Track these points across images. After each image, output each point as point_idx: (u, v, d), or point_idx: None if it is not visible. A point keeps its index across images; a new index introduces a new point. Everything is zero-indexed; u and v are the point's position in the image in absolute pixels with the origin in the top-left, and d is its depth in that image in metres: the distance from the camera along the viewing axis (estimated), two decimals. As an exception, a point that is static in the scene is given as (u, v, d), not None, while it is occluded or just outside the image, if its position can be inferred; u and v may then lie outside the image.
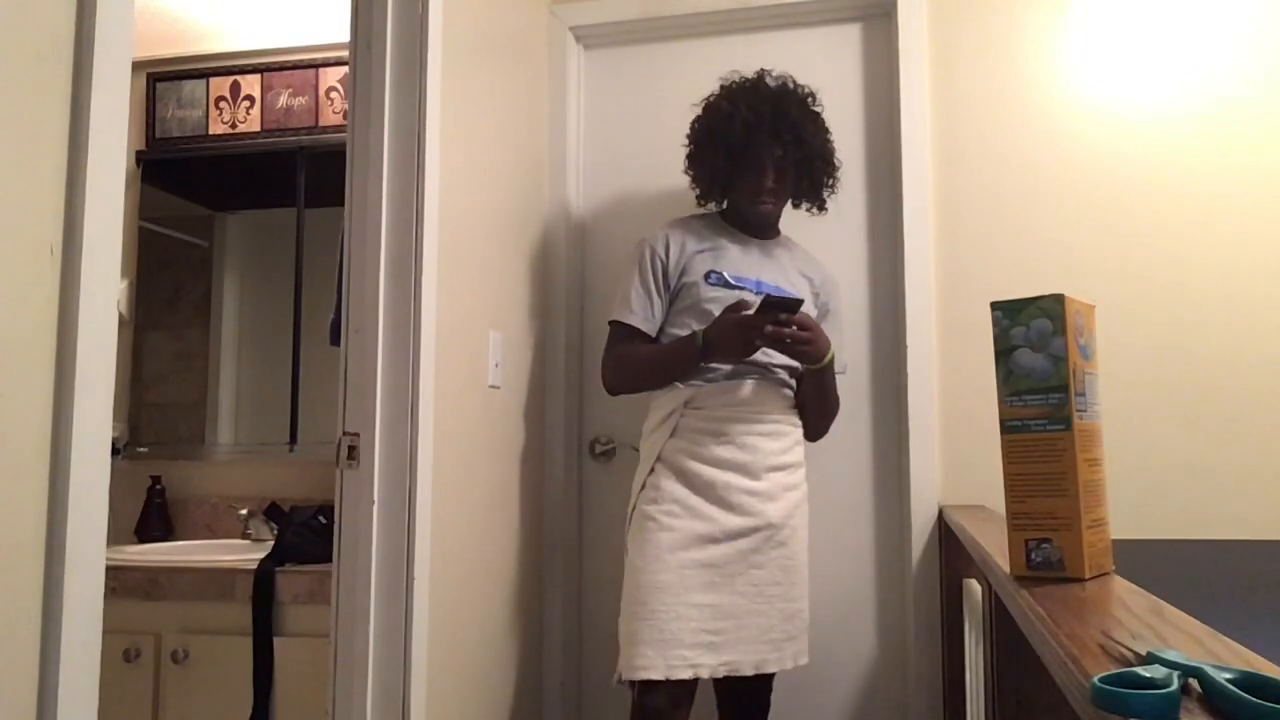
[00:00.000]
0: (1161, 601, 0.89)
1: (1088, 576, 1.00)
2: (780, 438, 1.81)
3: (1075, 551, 1.00)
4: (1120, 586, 0.98)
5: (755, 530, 1.74)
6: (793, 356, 1.71)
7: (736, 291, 1.79)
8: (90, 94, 0.92)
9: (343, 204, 1.64)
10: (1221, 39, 2.09)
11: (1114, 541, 1.10)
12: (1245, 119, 2.06)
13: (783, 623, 1.75)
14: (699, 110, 1.91)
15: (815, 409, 1.87)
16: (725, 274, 1.81)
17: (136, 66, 2.46)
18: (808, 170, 1.86)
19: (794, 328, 1.63)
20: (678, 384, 1.80)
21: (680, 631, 1.66)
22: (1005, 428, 1.05)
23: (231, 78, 2.49)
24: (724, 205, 1.96)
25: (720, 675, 1.69)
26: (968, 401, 2.12)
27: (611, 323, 1.88)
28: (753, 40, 2.35)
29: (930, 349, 2.14)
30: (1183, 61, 2.10)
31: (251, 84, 2.48)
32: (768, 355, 1.76)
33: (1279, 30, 2.06)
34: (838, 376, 1.89)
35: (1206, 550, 1.94)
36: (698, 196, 1.94)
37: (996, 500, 1.91)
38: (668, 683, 1.65)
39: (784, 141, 1.78)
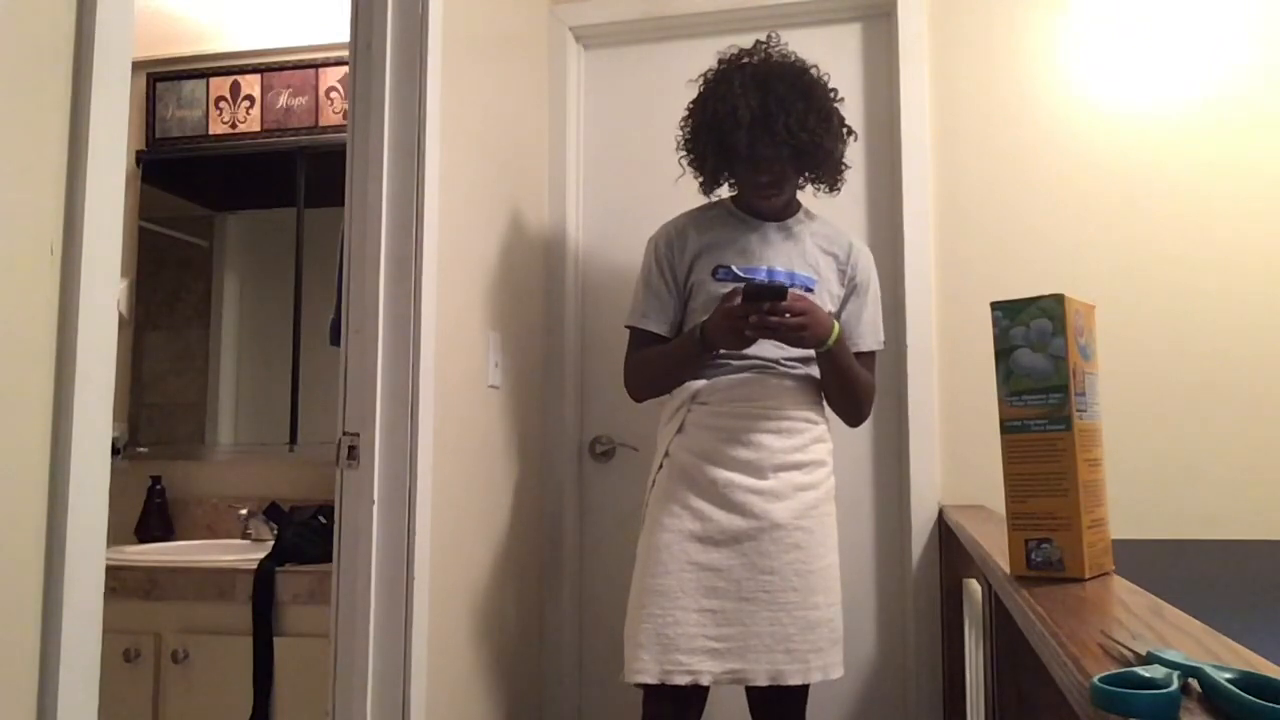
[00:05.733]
0: (1161, 601, 0.89)
1: (1088, 576, 1.00)
2: (793, 435, 1.71)
3: (1075, 551, 1.00)
4: (1120, 586, 0.98)
5: (760, 531, 1.65)
6: (789, 344, 1.63)
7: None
8: (90, 94, 0.92)
9: (343, 204, 1.64)
10: (1221, 37, 2.08)
11: (1114, 541, 1.10)
12: (1245, 117, 2.06)
13: (803, 632, 1.63)
14: (698, 89, 1.78)
15: (837, 393, 1.76)
16: (734, 267, 1.74)
17: (136, 66, 2.45)
18: (809, 163, 1.75)
19: (786, 315, 1.54)
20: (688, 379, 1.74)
21: (678, 637, 1.60)
22: (1005, 428, 1.05)
23: (231, 78, 2.49)
24: (735, 190, 1.84)
25: (726, 683, 1.63)
26: (968, 401, 2.12)
27: (628, 329, 1.82)
28: (753, 40, 2.34)
29: (930, 349, 2.14)
30: (1182, 60, 2.10)
31: (251, 84, 2.48)
32: (780, 348, 1.70)
33: (1278, 28, 2.06)
34: (878, 350, 1.81)
35: (1206, 550, 1.94)
36: (701, 186, 1.83)
37: (996, 500, 1.92)
38: (671, 689, 1.62)
39: (777, 138, 1.65)
